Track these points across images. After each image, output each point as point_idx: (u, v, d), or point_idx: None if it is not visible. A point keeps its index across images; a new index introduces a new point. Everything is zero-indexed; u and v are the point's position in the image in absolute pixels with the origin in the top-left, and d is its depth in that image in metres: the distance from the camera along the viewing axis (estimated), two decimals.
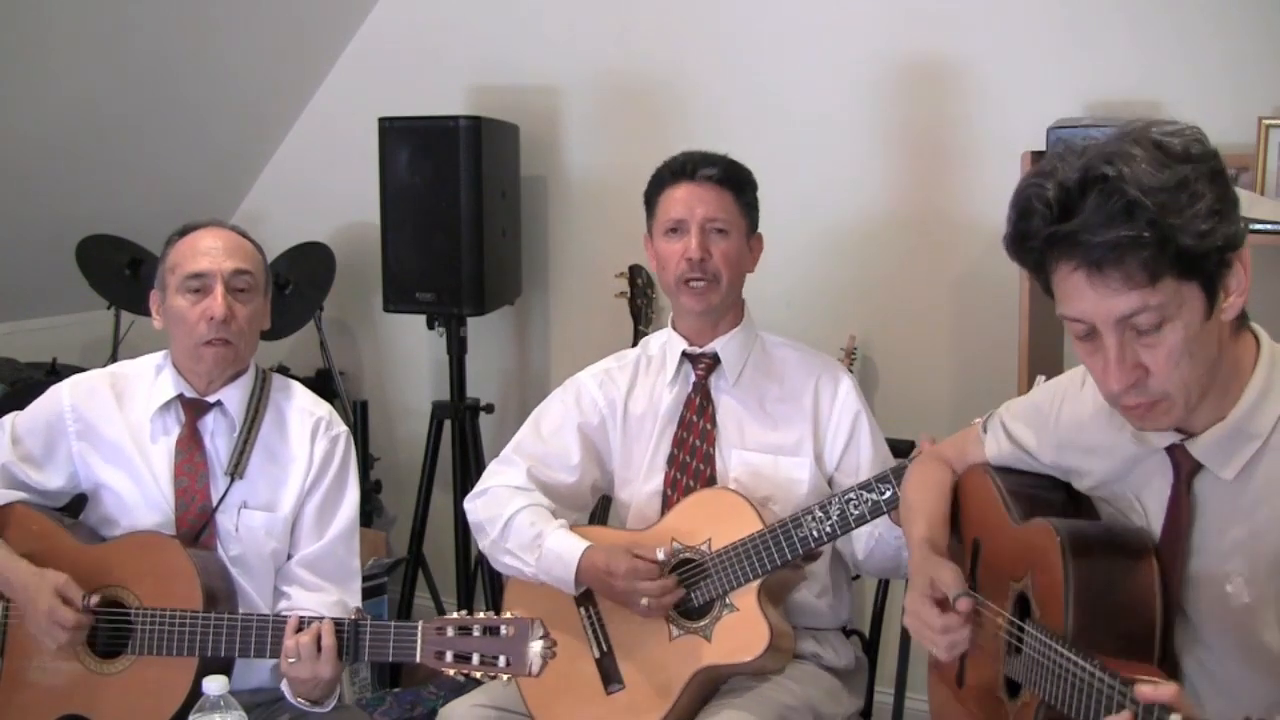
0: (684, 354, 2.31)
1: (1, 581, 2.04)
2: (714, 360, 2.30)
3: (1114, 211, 1.27)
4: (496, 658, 1.85)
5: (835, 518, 2.05)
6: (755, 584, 2.08)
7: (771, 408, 2.28)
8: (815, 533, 2.06)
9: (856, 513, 2.05)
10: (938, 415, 3.14)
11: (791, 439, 2.25)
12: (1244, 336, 1.42)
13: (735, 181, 2.27)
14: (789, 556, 2.07)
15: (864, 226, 3.20)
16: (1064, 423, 1.65)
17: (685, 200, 2.24)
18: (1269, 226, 2.33)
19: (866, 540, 2.20)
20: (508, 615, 1.88)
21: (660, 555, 2.10)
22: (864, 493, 2.05)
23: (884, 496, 2.03)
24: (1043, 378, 1.92)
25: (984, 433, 1.84)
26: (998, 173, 2.98)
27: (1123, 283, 1.29)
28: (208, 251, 2.11)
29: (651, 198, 2.31)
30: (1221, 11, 2.75)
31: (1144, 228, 1.26)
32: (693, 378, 2.31)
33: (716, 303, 2.26)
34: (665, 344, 2.36)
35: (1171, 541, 1.46)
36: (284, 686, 2.00)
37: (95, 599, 2.00)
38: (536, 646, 1.84)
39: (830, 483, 2.26)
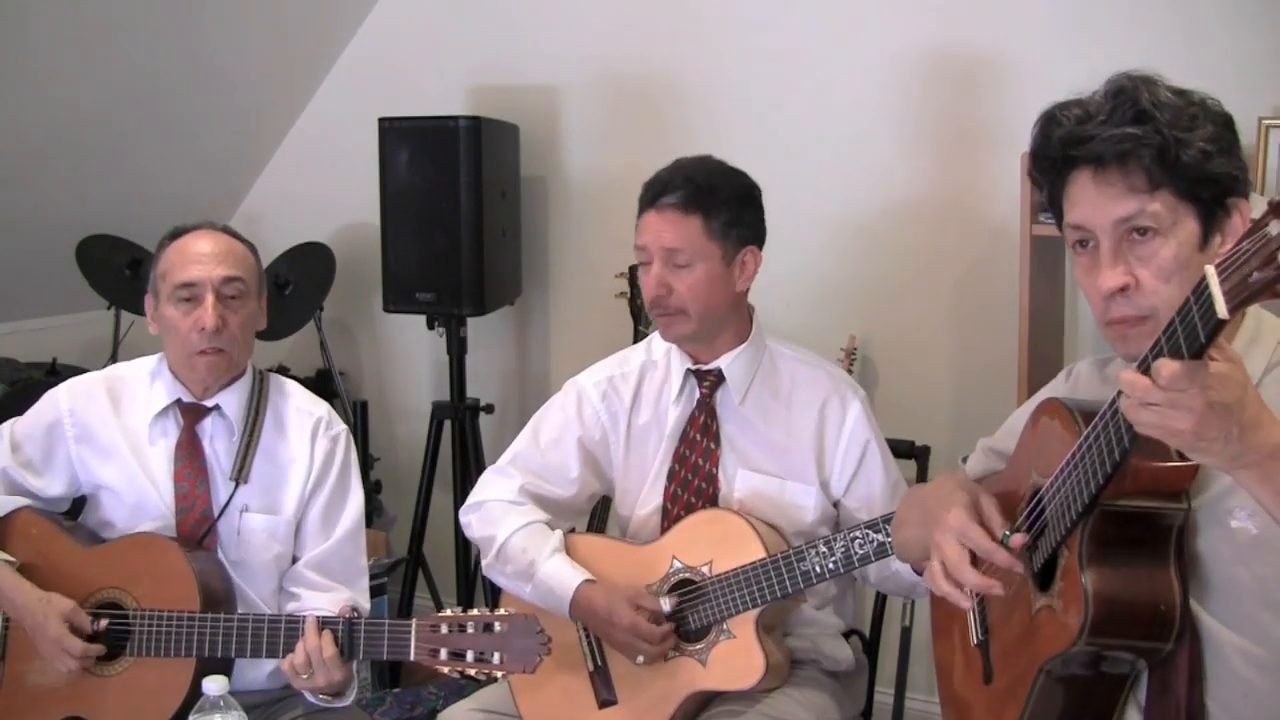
0: (688, 371, 2.23)
1: (7, 604, 2.04)
2: (719, 377, 2.21)
3: (1125, 117, 1.38)
4: (491, 654, 1.84)
5: (839, 555, 2.02)
6: (753, 613, 2.05)
7: (777, 430, 2.20)
8: (818, 568, 2.02)
9: (861, 552, 2.01)
10: (938, 415, 3.14)
11: (797, 463, 2.18)
12: None
13: (703, 204, 2.11)
14: (789, 590, 2.03)
15: (864, 227, 3.20)
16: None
17: (649, 229, 2.13)
18: None
19: (879, 569, 2.15)
20: (502, 611, 1.87)
21: (665, 607, 2.07)
22: (870, 533, 2.01)
23: (891, 539, 1.98)
24: None
25: (962, 463, 1.84)
26: (997, 173, 2.98)
27: (1123, 185, 1.37)
28: (198, 259, 2.09)
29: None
30: (1222, 11, 2.75)
31: (1149, 132, 1.36)
32: (697, 395, 2.23)
33: (689, 333, 2.17)
34: (670, 354, 2.27)
35: None
36: (304, 691, 2.00)
37: (103, 623, 2.00)
38: (531, 643, 1.83)
39: (837, 506, 2.22)
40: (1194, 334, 1.13)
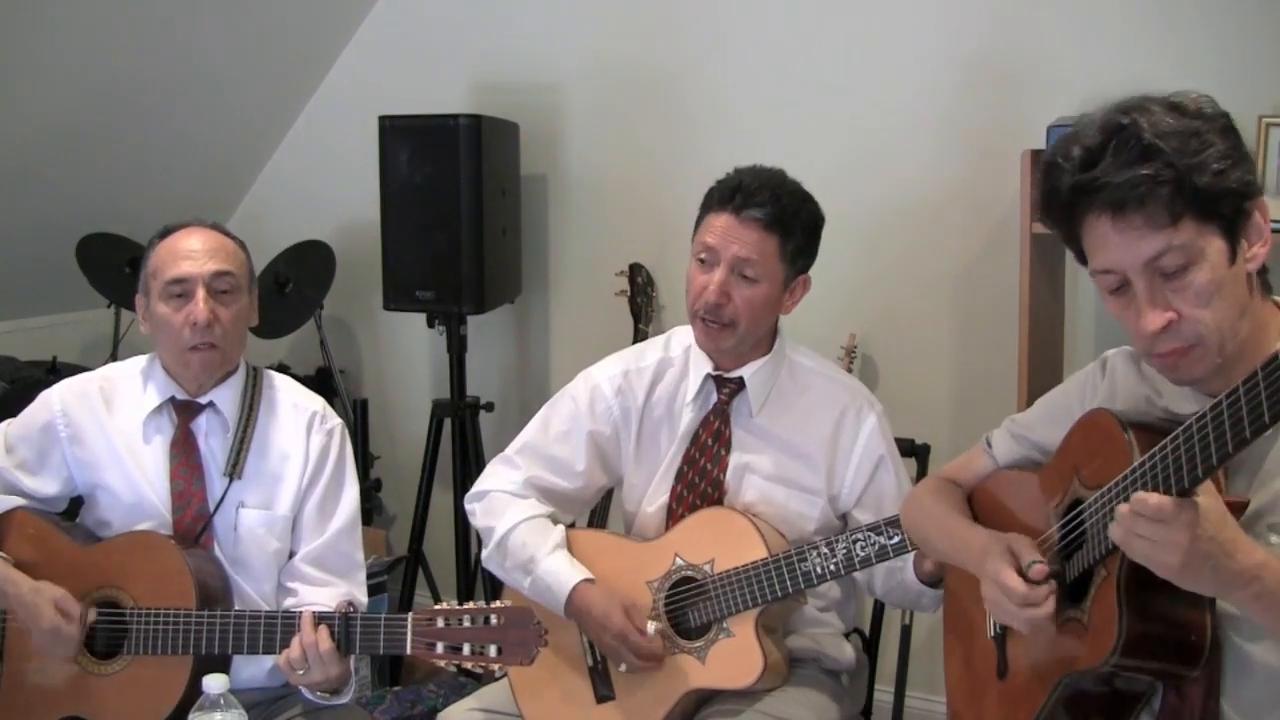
0: (709, 375, 2.21)
1: (0, 597, 2.04)
2: (739, 385, 2.20)
3: (1132, 156, 1.33)
4: (488, 647, 1.85)
5: (840, 557, 2.02)
6: (753, 612, 2.05)
7: (790, 441, 2.18)
8: (819, 569, 2.03)
9: (863, 554, 2.02)
10: (938, 415, 3.14)
11: (806, 475, 2.17)
12: (1268, 303, 1.43)
13: (785, 226, 2.09)
14: (789, 590, 2.04)
15: (864, 226, 3.19)
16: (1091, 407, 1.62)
17: (722, 233, 2.08)
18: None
19: (886, 578, 2.16)
20: (498, 604, 1.87)
21: (651, 630, 2.07)
22: (873, 535, 2.02)
23: (892, 541, 1.99)
24: None
25: (988, 446, 1.82)
26: (997, 172, 2.98)
27: (1145, 224, 1.33)
28: (188, 255, 2.10)
29: (700, 213, 2.15)
30: (1222, 10, 2.75)
31: (1161, 168, 1.32)
32: (714, 400, 2.21)
33: (729, 346, 2.15)
34: (689, 352, 2.25)
35: None
36: (301, 688, 2.00)
37: (92, 614, 2.01)
38: (528, 635, 1.84)
39: (845, 518, 2.21)
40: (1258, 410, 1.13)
